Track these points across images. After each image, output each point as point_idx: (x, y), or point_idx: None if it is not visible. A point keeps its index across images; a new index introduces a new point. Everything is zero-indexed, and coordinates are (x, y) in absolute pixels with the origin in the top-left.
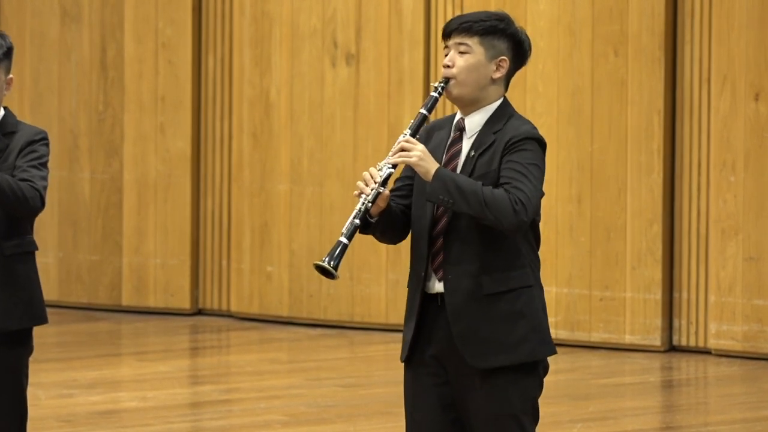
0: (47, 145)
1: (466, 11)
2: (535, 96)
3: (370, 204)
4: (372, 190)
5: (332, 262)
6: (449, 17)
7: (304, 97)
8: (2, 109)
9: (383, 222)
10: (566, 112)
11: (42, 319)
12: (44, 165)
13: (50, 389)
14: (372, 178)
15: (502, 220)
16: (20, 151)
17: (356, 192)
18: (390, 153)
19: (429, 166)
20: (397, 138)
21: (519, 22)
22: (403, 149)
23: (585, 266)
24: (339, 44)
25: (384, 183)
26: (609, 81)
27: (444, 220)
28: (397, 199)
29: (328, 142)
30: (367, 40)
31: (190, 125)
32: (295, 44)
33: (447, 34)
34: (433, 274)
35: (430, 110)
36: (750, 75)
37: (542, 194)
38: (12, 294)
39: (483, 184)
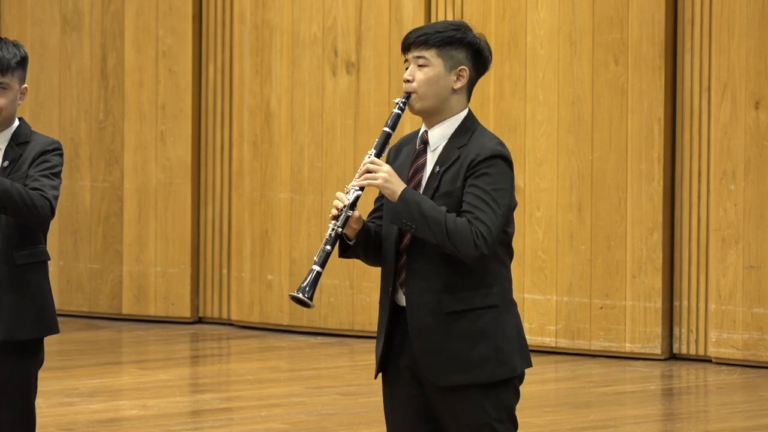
0: (61, 155)
1: (466, 19)
2: (536, 104)
3: (340, 229)
4: (341, 214)
5: (307, 294)
6: None
7: (305, 105)
8: (16, 119)
9: (363, 244)
10: (566, 121)
11: (53, 330)
12: (56, 175)
13: (51, 397)
14: (341, 202)
15: (462, 251)
16: (33, 160)
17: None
18: (356, 175)
19: (395, 187)
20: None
21: (519, 30)
22: (368, 171)
23: (585, 274)
24: (339, 53)
25: (353, 206)
26: (609, 89)
27: (409, 236)
28: (377, 220)
29: (329, 151)
30: (368, 48)
31: (191, 134)
32: (295, 53)
33: (405, 48)
34: (400, 289)
35: (393, 128)
36: (750, 83)
37: (515, 205)
38: (23, 304)
39: (447, 210)
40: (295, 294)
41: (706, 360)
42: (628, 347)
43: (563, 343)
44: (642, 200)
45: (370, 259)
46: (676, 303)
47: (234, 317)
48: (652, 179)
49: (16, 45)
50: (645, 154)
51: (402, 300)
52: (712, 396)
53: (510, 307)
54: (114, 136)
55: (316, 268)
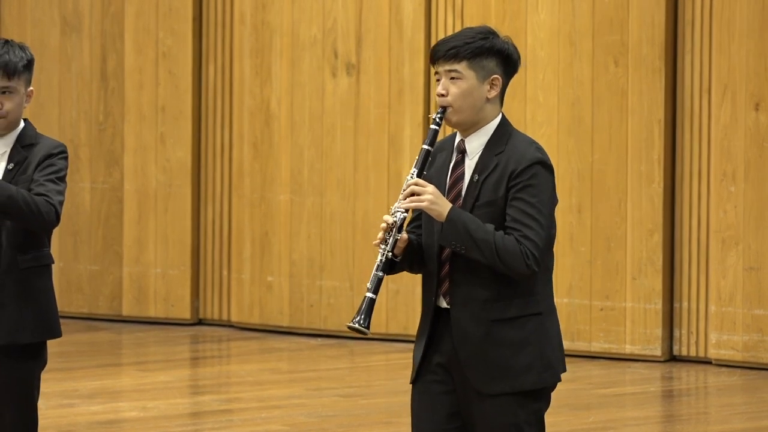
0: (66, 158)
1: (466, 22)
2: (536, 106)
3: (390, 254)
4: (389, 238)
5: (364, 322)
6: (450, 27)
7: (305, 107)
8: (22, 121)
9: (408, 258)
10: (566, 122)
11: (56, 333)
12: (62, 179)
13: (51, 399)
14: (388, 226)
15: (513, 271)
16: (38, 164)
17: (376, 242)
18: (400, 196)
19: (441, 209)
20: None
21: (519, 32)
22: (413, 193)
23: (585, 276)
24: (339, 54)
25: (400, 228)
26: (609, 91)
27: None
28: (417, 230)
29: (329, 152)
30: (368, 50)
31: (191, 135)
32: (295, 54)
33: (434, 61)
34: (443, 298)
35: (432, 144)
36: (750, 85)
37: (556, 202)
38: (26, 307)
39: (490, 218)
40: (351, 324)
41: (706, 362)
42: (628, 349)
43: (563, 344)
44: (642, 202)
45: (415, 269)
46: (676, 304)
47: (234, 319)
48: (652, 181)
49: (22, 48)
50: (645, 156)
51: (444, 303)
52: (712, 398)
53: (552, 312)
54: (114, 137)
55: (370, 294)
